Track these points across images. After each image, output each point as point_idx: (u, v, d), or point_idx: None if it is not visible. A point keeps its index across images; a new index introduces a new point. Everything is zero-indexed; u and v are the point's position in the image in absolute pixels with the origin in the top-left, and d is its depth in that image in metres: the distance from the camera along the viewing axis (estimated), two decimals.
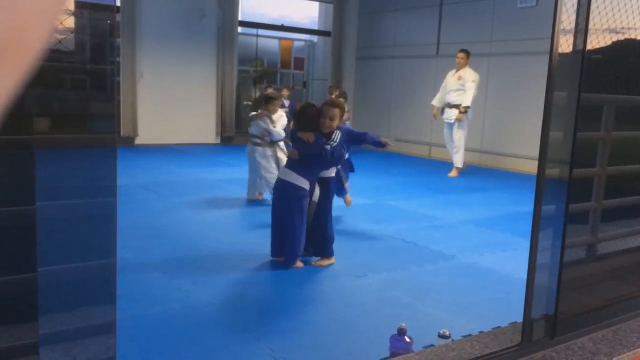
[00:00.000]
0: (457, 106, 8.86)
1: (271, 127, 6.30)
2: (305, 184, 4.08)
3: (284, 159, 6.28)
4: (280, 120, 6.45)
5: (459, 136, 8.96)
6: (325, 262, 4.25)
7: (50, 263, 1.45)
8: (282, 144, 6.45)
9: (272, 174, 6.14)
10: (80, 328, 1.59)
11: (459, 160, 9.02)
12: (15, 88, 0.29)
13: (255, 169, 6.34)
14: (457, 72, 8.96)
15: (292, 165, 4.17)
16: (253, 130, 6.45)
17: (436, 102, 9.35)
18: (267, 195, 6.49)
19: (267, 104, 6.45)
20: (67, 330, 1.57)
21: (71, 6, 1.52)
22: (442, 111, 9.17)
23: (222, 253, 4.52)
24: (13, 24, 0.27)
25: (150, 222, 5.44)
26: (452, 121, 8.91)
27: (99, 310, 1.59)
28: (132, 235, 4.74)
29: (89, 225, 1.61)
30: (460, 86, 8.78)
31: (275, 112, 6.44)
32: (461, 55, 8.94)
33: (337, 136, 4.09)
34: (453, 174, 9.01)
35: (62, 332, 1.56)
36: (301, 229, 4.13)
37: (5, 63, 0.28)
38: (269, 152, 6.34)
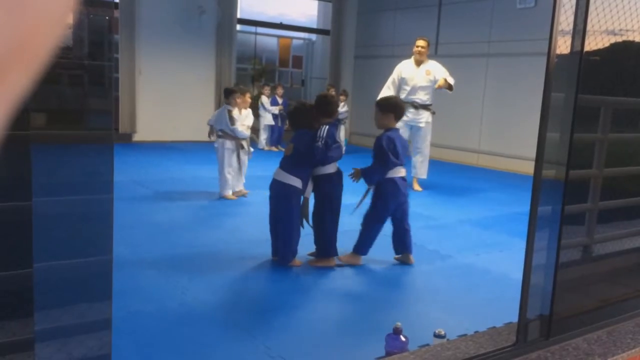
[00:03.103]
0: (427, 106, 7.52)
1: (231, 124, 6.39)
2: (295, 182, 4.11)
3: (244, 158, 6.48)
4: (247, 118, 6.59)
5: (428, 142, 7.73)
6: (323, 263, 4.24)
7: (46, 259, 1.45)
8: (245, 142, 6.58)
9: (232, 170, 6.38)
10: (76, 324, 1.59)
11: (425, 171, 7.78)
12: (22, 93, 0.29)
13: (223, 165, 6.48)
14: (419, 65, 7.51)
15: (283, 163, 4.23)
16: (213, 122, 6.59)
17: None
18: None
19: (228, 97, 6.56)
20: (62, 326, 1.57)
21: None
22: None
23: (219, 250, 4.52)
24: (23, 30, 0.27)
25: (147, 218, 5.43)
26: (421, 125, 7.52)
27: (94, 307, 1.59)
28: (128, 231, 4.74)
29: (85, 222, 1.61)
30: (430, 82, 7.44)
31: (237, 106, 6.51)
32: (423, 43, 7.53)
33: (323, 131, 4.14)
34: (417, 187, 7.69)
35: (58, 328, 1.56)
36: (291, 227, 4.15)
37: (15, 69, 0.28)
38: (230, 144, 6.44)
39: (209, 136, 6.72)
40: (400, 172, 4.34)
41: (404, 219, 4.37)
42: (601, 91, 2.68)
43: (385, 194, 4.29)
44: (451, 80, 7.32)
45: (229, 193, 6.43)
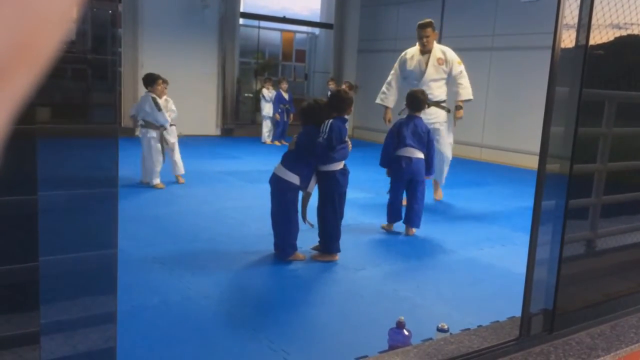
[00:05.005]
0: (439, 104, 6.23)
1: (157, 112, 6.49)
2: (292, 178, 4.12)
3: (172, 142, 6.67)
4: (170, 105, 6.81)
5: (448, 145, 6.46)
6: (326, 258, 4.24)
7: (52, 253, 1.46)
8: (171, 129, 6.75)
9: (159, 158, 6.55)
10: (81, 318, 1.60)
11: (444, 177, 6.57)
12: (27, 92, 0.29)
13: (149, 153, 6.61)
14: (427, 54, 6.20)
15: (283, 159, 4.24)
16: (135, 111, 6.76)
17: (388, 100, 6.43)
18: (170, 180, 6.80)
19: (152, 84, 6.61)
20: (67, 319, 1.58)
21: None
22: (402, 112, 6.09)
23: (222, 245, 4.53)
24: (26, 30, 0.27)
25: (150, 213, 5.45)
26: (438, 126, 6.23)
27: (99, 300, 1.59)
28: (131, 226, 4.75)
29: (90, 216, 1.61)
30: (444, 73, 6.19)
31: (161, 93, 6.66)
32: (428, 31, 6.11)
33: (326, 127, 4.14)
34: (440, 194, 6.62)
35: (63, 321, 1.57)
36: (288, 221, 4.17)
37: (19, 69, 0.28)
38: (154, 133, 6.57)
39: (134, 127, 6.86)
40: (406, 152, 5.05)
41: (413, 196, 5.09)
42: (606, 85, 2.67)
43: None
44: (469, 93, 6.20)
45: (157, 182, 6.58)
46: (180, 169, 6.89)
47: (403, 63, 6.34)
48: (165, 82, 6.85)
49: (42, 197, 1.36)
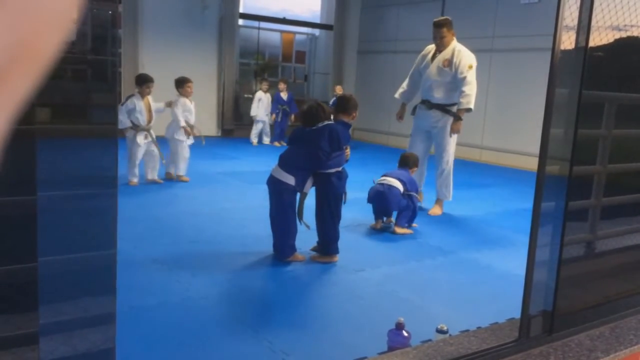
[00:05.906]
0: (442, 107, 5.87)
1: (122, 112, 6.48)
2: (288, 179, 4.13)
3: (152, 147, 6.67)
4: (191, 112, 6.93)
5: (450, 154, 6.01)
6: (325, 259, 4.24)
7: (51, 253, 1.45)
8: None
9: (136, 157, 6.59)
10: (80, 318, 1.59)
11: (448, 192, 6.09)
12: (25, 96, 0.29)
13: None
14: (437, 53, 5.89)
15: (280, 160, 4.25)
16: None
17: (405, 95, 6.24)
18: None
19: (140, 86, 6.58)
20: (66, 320, 1.58)
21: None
22: (413, 111, 6.16)
23: (222, 245, 4.53)
24: (26, 32, 0.27)
25: (149, 213, 5.44)
26: (437, 131, 5.96)
27: (98, 301, 1.59)
28: (130, 226, 4.74)
29: (89, 216, 1.61)
30: (448, 76, 5.77)
31: (146, 96, 6.66)
32: (443, 30, 5.76)
33: (326, 128, 4.18)
34: (436, 210, 6.07)
35: (62, 322, 1.57)
36: (286, 222, 4.17)
37: (18, 71, 0.28)
38: (130, 134, 6.60)
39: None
40: (382, 179, 5.38)
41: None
42: (605, 87, 2.67)
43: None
44: (470, 102, 5.70)
45: (133, 180, 6.63)
46: (180, 169, 7.04)
47: (420, 59, 6.14)
48: (185, 82, 6.98)
49: (42, 198, 1.36)
